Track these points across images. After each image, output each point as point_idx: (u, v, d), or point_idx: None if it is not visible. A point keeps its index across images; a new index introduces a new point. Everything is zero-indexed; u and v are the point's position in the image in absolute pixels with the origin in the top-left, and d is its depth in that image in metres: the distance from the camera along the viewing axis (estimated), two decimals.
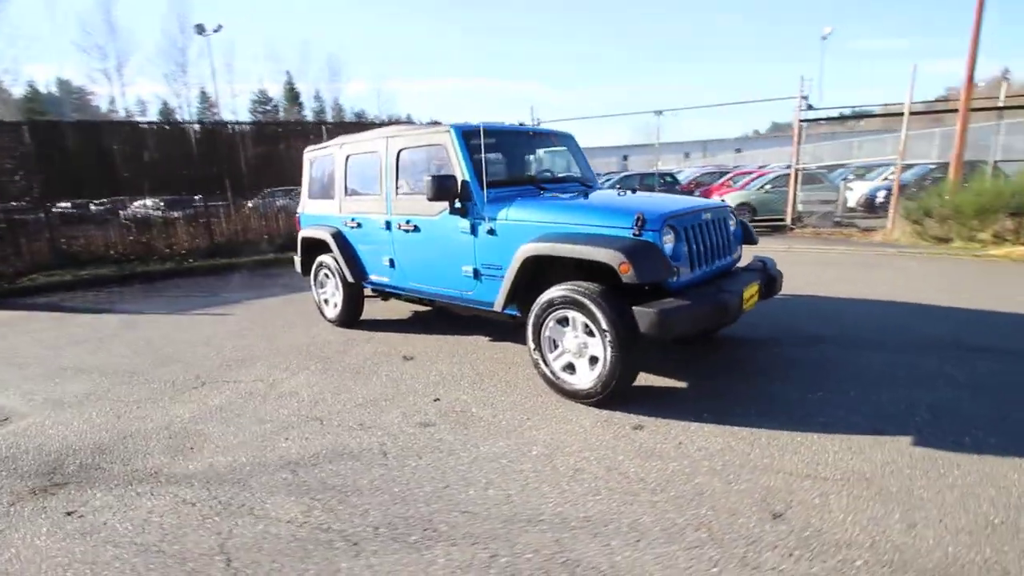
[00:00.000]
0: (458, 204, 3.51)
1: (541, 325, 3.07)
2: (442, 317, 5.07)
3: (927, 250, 7.66)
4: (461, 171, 3.50)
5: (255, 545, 1.95)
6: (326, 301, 5.06)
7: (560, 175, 4.19)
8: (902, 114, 9.14)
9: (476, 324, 4.73)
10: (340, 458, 2.57)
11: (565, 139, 4.51)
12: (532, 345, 3.15)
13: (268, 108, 50.48)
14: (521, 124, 4.61)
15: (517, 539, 1.90)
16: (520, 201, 3.38)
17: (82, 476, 2.53)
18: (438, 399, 3.21)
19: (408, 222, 3.94)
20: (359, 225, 4.42)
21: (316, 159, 5.04)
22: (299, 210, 5.29)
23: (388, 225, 4.12)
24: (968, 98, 9.05)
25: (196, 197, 9.87)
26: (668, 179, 14.75)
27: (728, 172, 18.48)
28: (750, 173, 16.18)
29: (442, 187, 3.41)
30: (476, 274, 3.55)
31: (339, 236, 4.61)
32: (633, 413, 2.85)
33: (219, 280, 8.10)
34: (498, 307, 3.36)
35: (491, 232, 3.39)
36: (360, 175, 4.44)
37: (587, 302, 2.80)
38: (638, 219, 2.79)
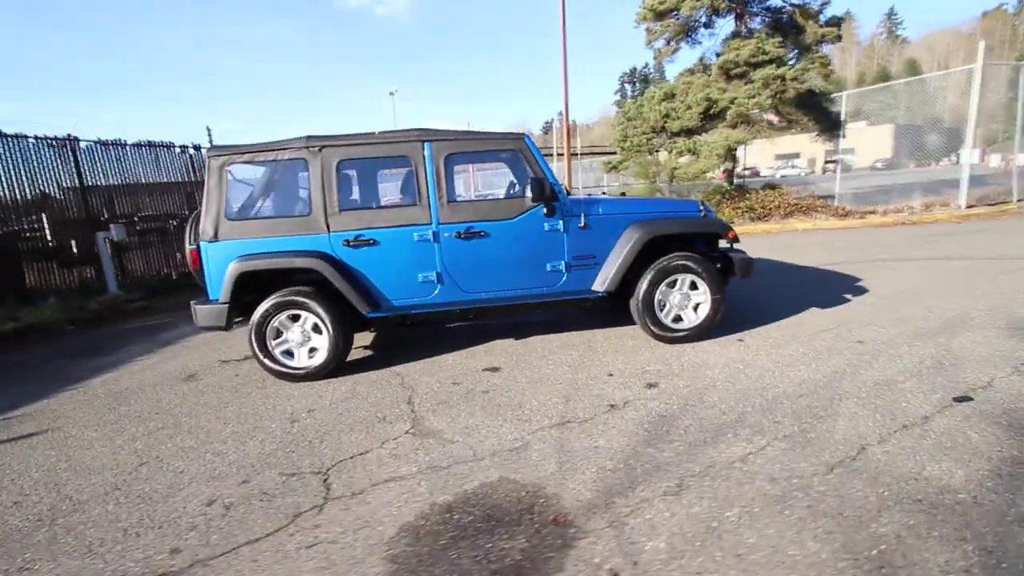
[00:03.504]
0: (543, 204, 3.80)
1: (654, 292, 3.90)
2: (417, 337, 4.63)
3: None
4: (544, 174, 3.79)
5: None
6: (288, 353, 3.79)
7: None
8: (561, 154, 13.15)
9: (477, 332, 4.67)
10: (724, 439, 2.79)
11: None
12: (644, 313, 3.91)
13: None
14: None
15: (878, 387, 2.98)
16: (603, 199, 4.02)
17: None
18: (612, 374, 3.53)
19: (469, 229, 3.77)
20: (374, 242, 3.72)
21: (244, 167, 3.69)
22: (202, 238, 3.67)
23: (435, 236, 3.75)
24: (568, 146, 13.91)
25: None
26: None
27: None
28: None
29: (542, 189, 3.67)
30: (567, 267, 3.91)
31: (332, 260, 3.68)
32: (718, 338, 4.09)
33: None
34: (605, 288, 3.88)
35: (585, 227, 3.88)
36: (370, 184, 3.74)
37: (694, 264, 3.89)
38: (703, 203, 4.09)
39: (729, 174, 14.05)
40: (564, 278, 3.95)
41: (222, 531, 2.18)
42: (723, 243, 4.40)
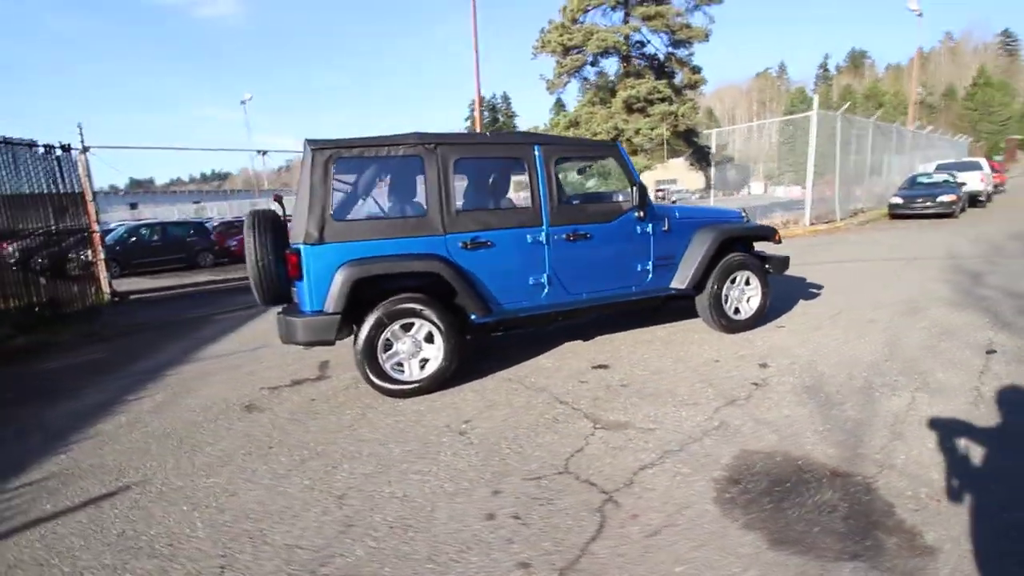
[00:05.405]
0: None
1: (722, 289, 4.40)
2: (489, 345, 4.48)
3: None
4: (636, 181, 4.08)
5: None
6: (399, 366, 3.45)
7: None
8: None
9: (536, 339, 4.68)
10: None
11: None
12: (712, 307, 4.39)
13: None
14: None
15: (927, 350, 3.75)
16: (673, 206, 4.42)
17: None
18: (717, 360, 3.89)
19: (575, 231, 3.87)
20: (490, 244, 3.61)
21: (353, 162, 3.31)
22: (301, 240, 3.20)
23: (547, 238, 3.77)
24: None
25: None
26: None
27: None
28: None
29: (643, 194, 3.99)
30: (653, 267, 4.21)
31: (450, 263, 3.49)
32: (762, 326, 4.73)
33: None
34: (686, 285, 4.27)
35: (667, 231, 4.24)
36: (484, 184, 3.63)
37: (750, 261, 4.50)
38: (744, 211, 4.74)
39: None
40: (650, 277, 4.26)
41: (549, 539, 2.03)
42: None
